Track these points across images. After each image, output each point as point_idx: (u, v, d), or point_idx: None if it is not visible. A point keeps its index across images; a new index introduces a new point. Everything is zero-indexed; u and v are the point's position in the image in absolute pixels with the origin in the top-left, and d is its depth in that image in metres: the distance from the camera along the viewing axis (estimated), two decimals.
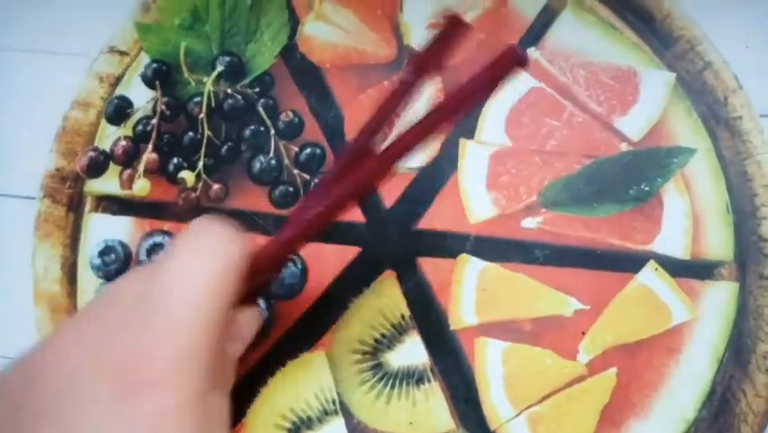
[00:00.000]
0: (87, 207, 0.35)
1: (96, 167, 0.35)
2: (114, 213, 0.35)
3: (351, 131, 0.35)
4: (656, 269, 0.32)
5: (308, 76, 0.36)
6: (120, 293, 0.23)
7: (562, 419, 0.31)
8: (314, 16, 0.36)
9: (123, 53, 0.36)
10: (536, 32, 0.35)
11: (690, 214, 0.33)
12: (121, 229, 0.35)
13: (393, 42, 0.36)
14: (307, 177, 0.34)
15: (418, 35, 0.35)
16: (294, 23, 0.36)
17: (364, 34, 0.36)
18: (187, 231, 0.24)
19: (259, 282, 0.27)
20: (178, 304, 0.21)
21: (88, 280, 0.34)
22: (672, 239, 0.32)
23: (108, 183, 0.35)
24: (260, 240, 0.28)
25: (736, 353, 0.32)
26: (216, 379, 0.22)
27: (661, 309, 0.32)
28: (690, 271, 0.32)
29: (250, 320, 0.28)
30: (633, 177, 0.33)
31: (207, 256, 0.23)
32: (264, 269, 0.26)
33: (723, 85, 0.34)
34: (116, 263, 0.34)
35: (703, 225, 0.33)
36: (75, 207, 0.35)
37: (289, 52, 0.36)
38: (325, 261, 0.33)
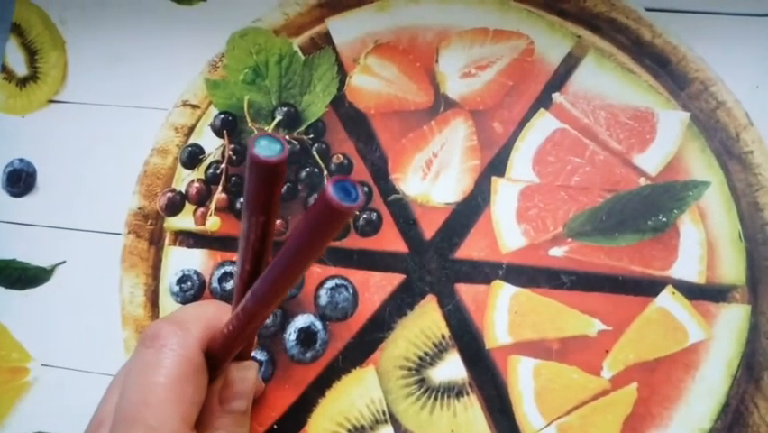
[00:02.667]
0: (167, 241, 0.40)
1: (174, 206, 0.40)
2: (189, 246, 0.40)
3: (394, 170, 0.39)
4: (674, 293, 0.35)
5: (356, 122, 0.40)
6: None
7: (588, 429, 0.34)
8: (359, 69, 0.40)
9: (194, 106, 0.41)
10: (561, 77, 0.39)
11: (704, 242, 0.36)
12: (196, 260, 0.39)
13: (430, 90, 0.39)
14: (357, 212, 0.38)
15: (453, 83, 0.39)
16: (342, 75, 0.40)
17: (404, 84, 0.40)
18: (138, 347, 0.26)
19: (236, 351, 0.28)
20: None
21: (168, 305, 0.39)
22: (688, 266, 0.35)
23: (184, 220, 0.40)
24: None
25: (749, 369, 0.34)
26: None
27: (678, 330, 0.35)
28: (706, 294, 0.35)
29: (243, 376, 0.29)
30: (651, 209, 0.36)
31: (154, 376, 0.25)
32: (232, 346, 0.27)
33: (735, 122, 0.37)
34: (192, 290, 0.39)
35: (717, 252, 0.36)
36: (156, 241, 0.40)
37: (339, 102, 0.40)
38: (374, 287, 0.37)
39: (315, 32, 0.41)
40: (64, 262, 0.41)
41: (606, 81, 0.38)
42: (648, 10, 0.39)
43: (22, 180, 0.42)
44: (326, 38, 0.41)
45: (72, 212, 0.42)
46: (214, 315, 0.28)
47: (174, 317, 0.28)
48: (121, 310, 0.40)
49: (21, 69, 0.44)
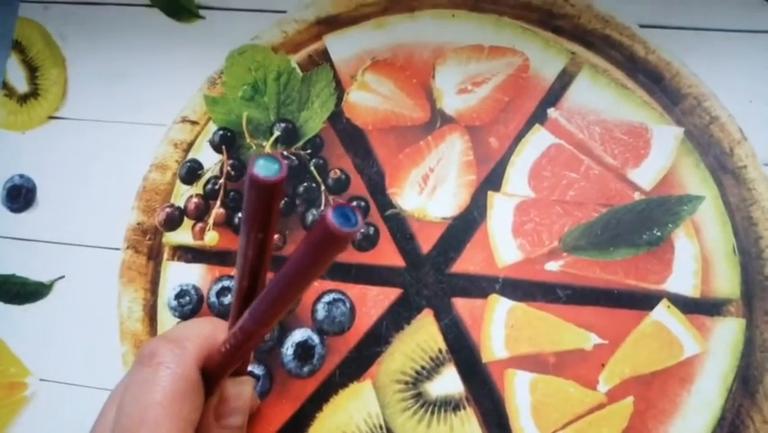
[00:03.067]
0: (165, 255, 0.40)
1: (172, 221, 0.40)
2: (188, 261, 0.40)
3: (391, 185, 0.39)
4: (669, 307, 0.35)
5: (353, 138, 0.40)
6: None
7: None
8: (357, 85, 0.40)
9: (193, 122, 0.42)
10: (555, 93, 0.39)
11: (699, 256, 0.36)
12: (194, 275, 0.40)
13: (427, 106, 0.40)
14: None
15: (450, 99, 0.40)
16: (340, 92, 0.40)
17: (401, 100, 0.40)
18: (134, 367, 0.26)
19: (232, 367, 0.28)
20: None
21: (167, 319, 0.39)
22: (682, 279, 0.36)
23: (183, 235, 0.40)
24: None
25: (744, 383, 0.34)
26: None
27: (673, 343, 0.35)
28: (700, 308, 0.35)
29: (239, 392, 0.29)
30: (646, 223, 0.36)
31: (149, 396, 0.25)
32: (227, 363, 0.27)
33: (729, 137, 0.37)
34: (190, 305, 0.39)
35: (712, 266, 0.36)
36: (154, 256, 0.40)
37: (336, 118, 0.40)
38: (371, 301, 0.38)
39: (313, 49, 0.41)
40: (63, 277, 0.41)
41: (600, 97, 0.39)
42: (642, 27, 0.39)
43: (21, 196, 0.43)
44: (324, 55, 0.41)
45: (71, 227, 0.42)
46: (211, 332, 0.28)
47: (171, 335, 0.28)
48: (119, 325, 0.40)
49: (21, 86, 0.44)
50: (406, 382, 0.36)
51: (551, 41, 0.40)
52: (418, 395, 0.36)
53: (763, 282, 0.36)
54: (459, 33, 0.40)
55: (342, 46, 0.41)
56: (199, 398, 0.27)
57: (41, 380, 0.40)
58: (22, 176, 0.43)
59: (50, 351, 0.41)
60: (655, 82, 0.39)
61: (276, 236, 0.39)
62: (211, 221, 0.39)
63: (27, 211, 0.43)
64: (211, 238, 0.39)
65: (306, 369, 0.37)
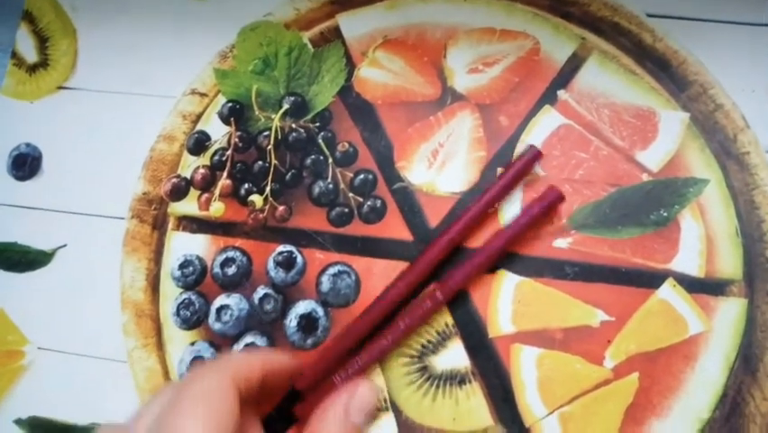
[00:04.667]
0: (170, 226, 0.39)
1: (178, 191, 0.39)
2: (192, 231, 0.39)
3: (399, 159, 0.38)
4: (674, 285, 0.35)
5: (362, 112, 0.39)
6: None
7: (590, 418, 0.33)
8: (368, 62, 0.40)
9: (203, 95, 0.41)
10: (566, 76, 0.39)
11: (703, 237, 0.36)
12: (198, 245, 0.38)
13: (438, 84, 0.39)
14: (361, 199, 0.38)
15: (461, 78, 0.39)
16: (351, 67, 0.40)
17: (412, 76, 0.40)
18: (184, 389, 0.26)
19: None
20: None
21: (169, 290, 0.38)
22: (688, 259, 0.35)
23: (188, 205, 0.39)
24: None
25: (746, 361, 0.34)
26: None
27: (678, 321, 0.34)
28: (705, 288, 0.35)
29: (371, 394, 0.31)
30: (653, 204, 0.36)
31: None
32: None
33: (732, 124, 0.37)
34: (194, 275, 0.38)
35: (716, 247, 0.35)
36: (159, 226, 0.39)
37: (346, 92, 0.40)
38: (377, 274, 0.37)
39: (325, 27, 0.41)
40: (65, 245, 0.40)
41: (609, 81, 0.38)
42: (650, 16, 0.39)
43: (27, 164, 0.42)
44: (336, 32, 0.41)
45: (76, 196, 0.41)
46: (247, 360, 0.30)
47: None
48: (121, 294, 0.39)
49: (31, 56, 0.43)
50: (412, 356, 0.35)
51: (561, 27, 0.39)
52: (424, 369, 0.35)
53: (764, 264, 0.35)
54: (471, 16, 0.40)
55: (355, 25, 0.40)
56: (232, 413, 0.26)
57: (40, 348, 0.39)
58: (28, 144, 0.42)
59: (50, 319, 0.39)
60: (662, 69, 0.38)
61: (282, 208, 0.38)
62: (217, 192, 0.39)
63: (32, 180, 0.42)
64: (216, 209, 0.38)
65: (309, 341, 0.36)
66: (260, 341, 0.36)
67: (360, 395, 0.31)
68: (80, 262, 0.40)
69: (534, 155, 0.36)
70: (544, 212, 0.36)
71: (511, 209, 0.37)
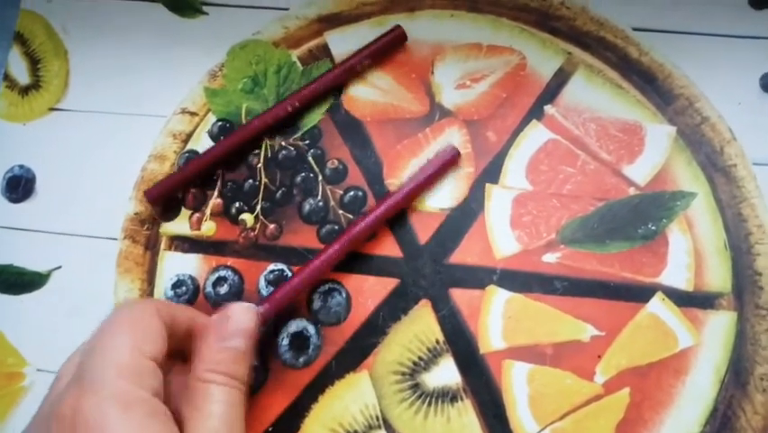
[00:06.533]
0: (162, 246, 0.38)
1: (170, 211, 0.38)
2: (184, 251, 0.38)
3: (388, 176, 0.37)
4: (663, 299, 0.34)
5: (352, 129, 0.38)
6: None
7: None
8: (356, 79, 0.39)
9: (193, 114, 0.40)
10: (552, 91, 0.38)
11: (692, 251, 0.35)
12: (191, 265, 0.38)
13: (426, 100, 0.38)
14: (351, 216, 0.37)
15: (448, 94, 0.38)
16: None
17: (400, 93, 0.39)
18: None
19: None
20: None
21: None
22: (676, 273, 0.34)
23: (180, 225, 0.38)
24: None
25: (736, 375, 0.33)
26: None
27: (668, 335, 0.34)
28: (694, 301, 0.34)
29: (241, 315, 0.30)
30: (641, 217, 0.35)
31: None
32: None
33: (719, 136, 0.37)
34: (187, 294, 0.37)
35: (704, 260, 0.35)
36: (151, 246, 0.38)
37: (335, 109, 0.39)
38: (368, 291, 0.36)
39: (314, 45, 0.40)
40: (60, 267, 0.39)
41: (595, 96, 0.38)
42: (635, 30, 0.39)
43: (21, 186, 0.41)
44: (325, 50, 0.40)
45: (70, 217, 0.40)
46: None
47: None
48: None
49: (23, 78, 0.42)
50: (403, 373, 0.34)
51: (547, 42, 0.39)
52: (415, 386, 0.34)
53: (752, 277, 0.35)
54: (457, 33, 0.39)
55: (343, 42, 0.40)
56: (157, 333, 0.28)
57: (39, 370, 0.38)
58: (21, 166, 0.41)
59: (47, 341, 0.38)
60: (648, 83, 0.38)
61: (272, 226, 0.37)
62: (208, 211, 0.38)
63: (26, 201, 0.41)
64: (208, 228, 0.38)
65: (301, 360, 0.35)
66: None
67: (230, 316, 0.30)
68: (75, 283, 0.39)
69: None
70: (445, 167, 0.36)
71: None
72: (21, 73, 0.43)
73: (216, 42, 0.40)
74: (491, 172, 0.37)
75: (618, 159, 0.36)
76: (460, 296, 0.35)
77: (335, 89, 0.39)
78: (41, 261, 0.39)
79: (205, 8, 0.41)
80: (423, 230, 0.36)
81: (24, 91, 0.42)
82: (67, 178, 0.40)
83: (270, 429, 0.34)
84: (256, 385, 0.35)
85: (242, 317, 0.30)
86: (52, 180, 0.41)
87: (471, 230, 0.36)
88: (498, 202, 0.36)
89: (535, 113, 0.37)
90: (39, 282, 0.39)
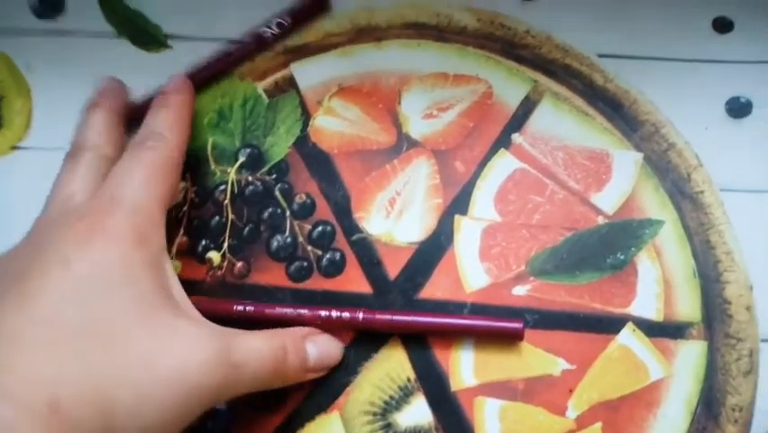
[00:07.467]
0: None
1: None
2: None
3: (357, 209, 0.37)
4: (634, 330, 0.34)
5: (319, 162, 0.38)
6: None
7: None
8: (323, 111, 0.38)
9: None
10: (519, 119, 0.37)
11: (661, 280, 0.34)
12: None
13: (393, 131, 0.38)
14: (320, 252, 0.36)
15: (416, 124, 0.38)
16: (306, 117, 0.38)
17: (367, 124, 0.38)
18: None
19: None
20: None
21: None
22: (646, 303, 0.34)
23: None
24: None
25: (708, 406, 0.33)
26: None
27: (639, 367, 0.33)
28: (664, 331, 0.34)
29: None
30: (609, 247, 0.35)
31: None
32: None
33: (686, 163, 0.36)
34: None
35: (674, 289, 0.34)
36: None
37: (302, 142, 0.38)
38: (338, 330, 0.35)
39: (280, 77, 0.39)
40: None
41: (562, 123, 0.37)
42: (600, 56, 0.38)
43: None
44: (291, 82, 0.39)
45: None
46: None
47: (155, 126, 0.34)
48: None
49: None
50: (375, 414, 0.34)
51: (513, 70, 0.38)
52: (387, 426, 0.33)
53: (722, 305, 0.34)
54: (424, 62, 0.39)
55: (309, 73, 0.39)
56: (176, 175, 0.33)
57: None
58: None
59: None
60: (614, 109, 0.37)
61: (240, 264, 0.36)
62: (174, 250, 0.37)
63: None
64: (174, 267, 0.36)
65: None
66: (219, 404, 0.35)
67: (325, 342, 0.33)
68: None
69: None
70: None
71: None
72: None
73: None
74: (460, 203, 0.36)
75: (586, 187, 0.36)
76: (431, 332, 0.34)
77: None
78: None
79: (169, 41, 0.40)
80: (392, 265, 0.36)
81: None
82: (30, 217, 0.39)
83: None
84: (222, 430, 0.34)
85: (332, 350, 0.34)
86: (15, 220, 0.39)
87: (441, 264, 0.35)
88: (467, 234, 0.36)
89: (503, 141, 0.37)
90: None
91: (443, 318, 0.33)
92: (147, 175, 0.30)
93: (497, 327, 0.33)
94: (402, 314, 0.33)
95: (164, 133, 0.33)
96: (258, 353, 0.29)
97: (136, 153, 0.31)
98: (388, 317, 0.33)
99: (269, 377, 0.30)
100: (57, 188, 0.33)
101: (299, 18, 0.39)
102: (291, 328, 0.32)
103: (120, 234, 0.28)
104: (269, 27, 0.37)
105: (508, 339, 0.33)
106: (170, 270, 0.31)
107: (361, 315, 0.33)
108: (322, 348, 0.32)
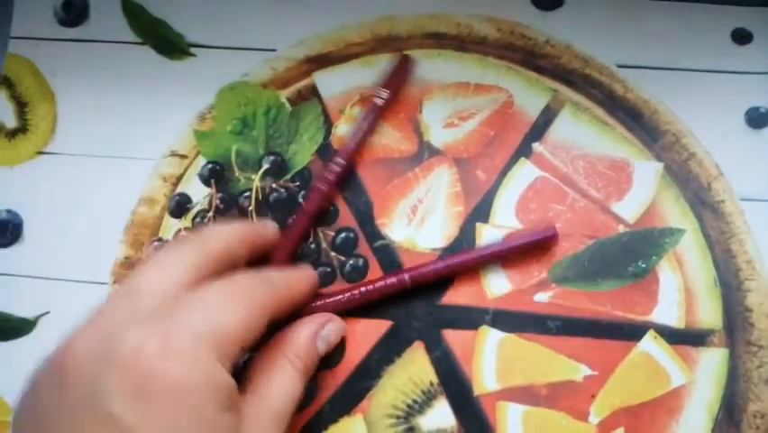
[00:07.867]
0: None
1: None
2: None
3: (379, 216, 0.37)
4: (655, 337, 0.34)
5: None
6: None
7: None
8: (345, 119, 0.39)
9: (182, 156, 0.39)
10: (539, 128, 0.38)
11: (682, 288, 0.35)
12: None
13: (414, 139, 0.38)
14: (343, 258, 0.37)
15: (437, 132, 0.38)
16: (328, 125, 0.39)
17: (389, 133, 0.39)
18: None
19: None
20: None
21: None
22: (668, 311, 0.34)
23: None
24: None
25: (729, 412, 0.33)
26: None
27: (661, 374, 0.33)
28: (686, 339, 0.34)
29: (337, 327, 0.34)
30: (631, 255, 0.35)
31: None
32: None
33: (706, 172, 0.37)
34: None
35: (695, 297, 0.35)
36: None
37: (325, 150, 0.39)
38: (360, 334, 0.35)
39: (303, 86, 0.40)
40: (48, 312, 0.39)
41: (583, 133, 0.38)
42: (620, 66, 0.39)
43: (8, 231, 0.40)
44: (313, 90, 0.40)
45: (58, 262, 0.39)
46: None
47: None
48: None
49: (10, 122, 0.42)
50: (398, 417, 0.34)
51: (533, 80, 0.39)
52: (410, 429, 0.34)
53: (743, 313, 0.35)
54: (444, 72, 0.39)
55: (331, 82, 0.40)
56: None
57: None
58: (9, 211, 0.40)
59: None
60: (635, 119, 0.38)
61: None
62: None
63: (13, 246, 0.40)
64: None
65: None
66: None
67: (330, 327, 0.33)
68: (64, 330, 0.38)
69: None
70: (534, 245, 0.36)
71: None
72: (8, 117, 0.42)
73: (205, 84, 0.40)
74: (481, 211, 0.37)
75: (607, 196, 0.36)
76: (453, 337, 0.35)
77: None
78: (28, 307, 0.39)
79: (192, 50, 0.41)
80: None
81: (11, 135, 0.42)
82: (55, 222, 0.40)
83: None
84: None
85: (337, 328, 0.34)
86: (40, 225, 0.40)
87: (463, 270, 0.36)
88: (488, 241, 0.36)
89: (524, 150, 0.38)
90: (26, 329, 0.39)
91: (481, 252, 0.35)
92: None
93: (533, 241, 0.35)
94: (446, 259, 0.35)
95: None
96: None
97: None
98: (432, 267, 0.35)
99: None
100: None
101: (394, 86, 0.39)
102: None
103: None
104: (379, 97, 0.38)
105: (545, 247, 0.35)
106: None
107: (407, 276, 0.34)
108: (331, 337, 0.34)
